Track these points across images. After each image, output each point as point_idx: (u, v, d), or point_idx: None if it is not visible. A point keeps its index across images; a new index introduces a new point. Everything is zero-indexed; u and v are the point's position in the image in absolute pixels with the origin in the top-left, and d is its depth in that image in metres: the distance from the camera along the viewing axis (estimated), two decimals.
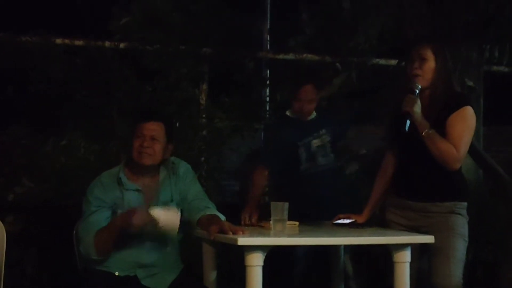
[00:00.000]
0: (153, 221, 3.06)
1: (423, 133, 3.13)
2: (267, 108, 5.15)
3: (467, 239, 3.25)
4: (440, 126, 3.15)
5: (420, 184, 3.24)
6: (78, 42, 4.82)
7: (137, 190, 3.26)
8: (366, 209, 3.42)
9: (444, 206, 3.22)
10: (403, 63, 4.95)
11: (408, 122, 3.14)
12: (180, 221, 3.32)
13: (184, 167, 3.36)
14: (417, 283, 3.26)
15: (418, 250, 3.24)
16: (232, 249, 2.92)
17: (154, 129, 3.25)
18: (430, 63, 3.20)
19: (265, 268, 2.89)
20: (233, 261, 3.90)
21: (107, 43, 4.86)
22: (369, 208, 3.41)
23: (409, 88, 3.18)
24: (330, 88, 5.08)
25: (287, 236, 3.10)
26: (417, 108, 3.13)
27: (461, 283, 3.18)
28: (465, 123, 3.18)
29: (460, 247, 3.20)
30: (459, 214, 3.24)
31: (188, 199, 3.30)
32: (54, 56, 4.67)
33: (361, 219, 3.40)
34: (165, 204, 3.27)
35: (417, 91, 3.16)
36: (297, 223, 3.38)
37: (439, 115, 3.18)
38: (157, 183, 3.29)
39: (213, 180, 4.78)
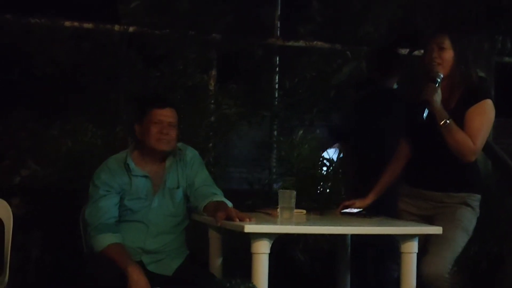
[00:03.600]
0: None
1: (441, 123, 3.09)
2: (276, 96, 5.13)
3: (470, 233, 3.21)
4: (458, 117, 3.13)
5: (435, 174, 3.22)
6: (87, 25, 4.79)
7: (145, 176, 3.25)
8: (371, 193, 3.40)
9: (458, 197, 3.20)
10: (414, 52, 4.94)
11: (426, 111, 3.11)
12: (187, 208, 3.33)
13: (191, 153, 3.35)
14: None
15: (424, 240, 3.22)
16: (238, 236, 2.91)
17: (171, 115, 3.25)
18: (449, 52, 3.18)
19: (271, 255, 2.88)
20: (239, 248, 3.89)
21: (116, 27, 4.82)
22: (375, 192, 3.40)
23: (430, 77, 3.15)
24: (339, 76, 5.06)
25: (294, 224, 3.08)
26: (437, 97, 3.10)
27: (447, 273, 3.10)
28: (484, 116, 3.16)
29: (459, 240, 3.16)
30: (470, 206, 3.21)
31: (195, 185, 3.29)
32: (61, 39, 4.65)
33: (365, 202, 3.38)
34: (171, 190, 3.26)
35: (439, 80, 3.13)
36: (304, 211, 3.36)
37: (457, 107, 3.16)
38: (163, 169, 3.28)
39: (220, 167, 4.77)
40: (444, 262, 3.10)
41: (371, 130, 4.00)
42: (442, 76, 3.15)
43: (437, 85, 3.13)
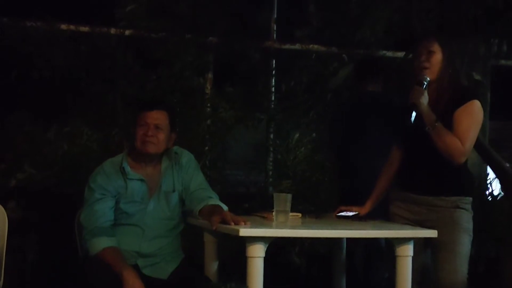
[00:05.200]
0: None
1: (429, 126, 3.11)
2: (272, 99, 5.12)
3: (471, 234, 3.24)
4: (447, 119, 3.14)
5: (426, 178, 3.23)
6: (83, 29, 4.78)
7: (141, 180, 3.24)
8: (369, 201, 3.41)
9: (449, 200, 3.21)
10: (410, 55, 4.94)
11: (414, 114, 3.12)
12: (182, 211, 3.32)
13: (187, 157, 3.34)
14: (421, 277, 3.25)
15: (422, 244, 3.23)
16: (234, 239, 2.90)
17: (158, 117, 3.22)
18: (437, 56, 3.19)
19: (267, 259, 2.88)
20: (234, 251, 3.89)
21: (112, 30, 4.82)
22: (372, 200, 3.41)
23: (417, 80, 3.17)
24: (336, 80, 5.06)
25: (289, 228, 3.08)
26: (424, 100, 3.12)
27: (466, 278, 3.17)
28: (472, 117, 3.17)
29: (465, 242, 3.19)
30: (464, 209, 3.22)
31: (191, 189, 3.29)
32: (58, 42, 4.64)
33: (363, 211, 3.39)
34: (167, 193, 3.26)
35: (425, 83, 3.15)
36: (300, 214, 3.36)
37: (446, 109, 3.17)
38: (159, 173, 3.28)
39: (217, 170, 4.77)
40: (461, 268, 3.14)
41: (351, 135, 4.06)
42: (428, 79, 3.16)
43: (424, 88, 3.15)
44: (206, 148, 4.79)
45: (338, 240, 3.56)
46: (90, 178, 3.25)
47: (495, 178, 4.85)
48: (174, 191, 3.28)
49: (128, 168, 3.24)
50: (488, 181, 5.18)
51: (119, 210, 3.22)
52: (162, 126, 3.22)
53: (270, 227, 3.03)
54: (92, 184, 3.22)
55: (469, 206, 3.25)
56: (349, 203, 3.45)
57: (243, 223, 2.93)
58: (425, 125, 3.13)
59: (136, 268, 3.17)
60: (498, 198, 5.06)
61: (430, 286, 3.26)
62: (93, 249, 3.13)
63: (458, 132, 3.13)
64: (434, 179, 3.22)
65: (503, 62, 5.54)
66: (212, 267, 3.26)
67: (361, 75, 4.23)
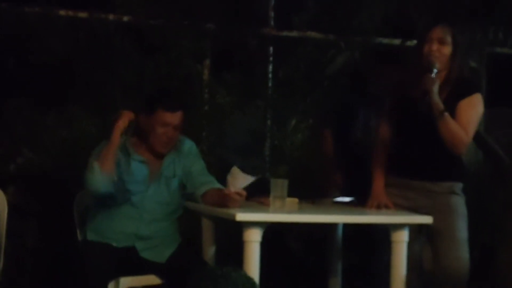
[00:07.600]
0: None
1: (437, 114, 3.12)
2: (270, 85, 5.13)
3: (467, 218, 3.27)
4: (449, 109, 3.15)
5: (423, 163, 3.25)
6: (82, 14, 4.78)
7: (143, 162, 3.27)
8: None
9: (445, 186, 3.24)
10: (407, 43, 4.95)
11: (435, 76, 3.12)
12: (182, 195, 3.35)
13: (188, 144, 3.38)
14: (417, 263, 3.28)
15: (417, 231, 3.25)
16: (231, 224, 2.94)
17: (179, 118, 3.25)
18: (448, 48, 3.20)
19: (265, 243, 2.91)
20: (231, 236, 3.92)
21: (110, 16, 4.82)
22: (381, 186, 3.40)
23: (427, 68, 3.17)
24: (333, 66, 5.07)
25: (286, 213, 3.11)
26: (435, 88, 3.13)
27: (469, 263, 3.19)
28: (475, 109, 3.21)
29: (463, 228, 3.22)
30: (458, 194, 3.27)
31: (193, 174, 3.33)
32: (56, 28, 4.64)
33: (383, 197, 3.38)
34: (167, 178, 3.28)
35: (435, 71, 3.15)
36: (296, 199, 3.38)
37: (447, 99, 3.19)
38: (160, 158, 3.31)
39: (214, 156, 4.79)
40: (464, 254, 3.18)
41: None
42: (438, 66, 3.17)
43: (434, 75, 3.16)
44: (204, 134, 4.81)
45: (333, 225, 3.59)
46: (94, 151, 3.25)
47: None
48: (174, 176, 3.31)
49: (131, 149, 3.26)
50: None
51: (122, 187, 3.23)
52: (179, 126, 3.26)
53: (267, 212, 3.07)
54: (97, 152, 3.23)
55: (460, 191, 3.29)
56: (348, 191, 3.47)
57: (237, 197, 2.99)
58: (427, 112, 3.13)
59: (134, 251, 3.20)
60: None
61: (423, 273, 3.29)
62: (92, 175, 3.13)
63: (461, 123, 3.15)
64: (431, 165, 3.24)
65: (498, 49, 5.54)
66: (209, 251, 3.30)
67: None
